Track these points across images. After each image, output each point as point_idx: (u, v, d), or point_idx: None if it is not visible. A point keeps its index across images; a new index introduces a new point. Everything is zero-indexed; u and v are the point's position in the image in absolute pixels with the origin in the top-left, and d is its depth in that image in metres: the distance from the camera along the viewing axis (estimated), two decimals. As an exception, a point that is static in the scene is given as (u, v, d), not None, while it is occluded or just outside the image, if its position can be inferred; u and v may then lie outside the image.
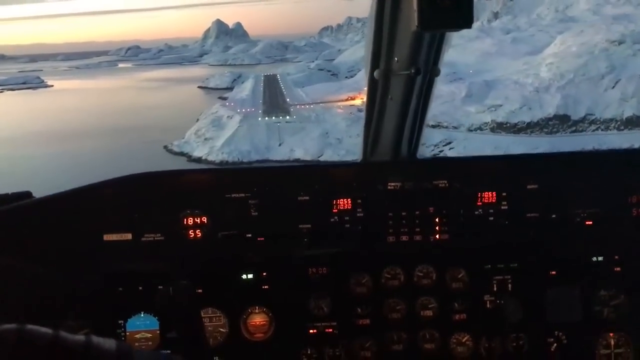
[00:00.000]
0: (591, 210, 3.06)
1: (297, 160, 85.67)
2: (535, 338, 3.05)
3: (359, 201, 3.05)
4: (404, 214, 3.04)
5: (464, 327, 3.06)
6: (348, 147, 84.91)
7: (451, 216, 3.06)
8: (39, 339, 1.05)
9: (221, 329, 3.05)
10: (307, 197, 3.03)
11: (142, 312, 3.02)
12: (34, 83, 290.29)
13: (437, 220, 3.06)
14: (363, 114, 3.25)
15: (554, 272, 3.08)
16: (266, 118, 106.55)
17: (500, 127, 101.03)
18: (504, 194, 3.05)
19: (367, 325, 3.05)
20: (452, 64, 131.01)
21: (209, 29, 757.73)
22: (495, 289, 3.08)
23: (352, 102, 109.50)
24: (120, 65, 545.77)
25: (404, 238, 3.05)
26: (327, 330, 3.05)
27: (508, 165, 3.27)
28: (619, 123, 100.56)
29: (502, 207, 3.05)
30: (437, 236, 3.06)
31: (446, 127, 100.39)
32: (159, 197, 3.04)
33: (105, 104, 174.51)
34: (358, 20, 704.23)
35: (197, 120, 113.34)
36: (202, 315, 3.01)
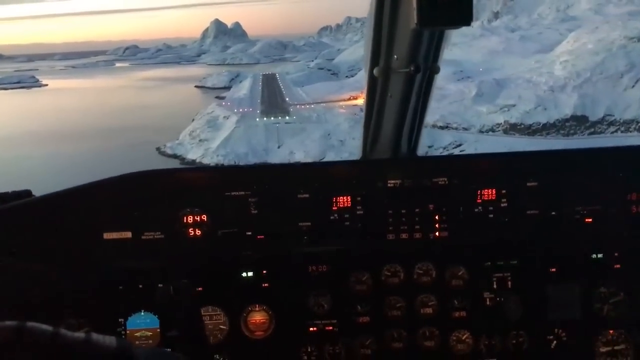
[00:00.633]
0: (591, 208, 3.05)
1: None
2: (535, 335, 3.04)
3: (359, 199, 3.03)
4: (403, 211, 3.03)
5: (464, 325, 3.05)
6: (351, 149, 79.22)
7: (451, 213, 3.05)
8: (39, 336, 1.06)
9: (221, 327, 3.05)
10: (306, 195, 3.02)
11: (143, 311, 3.02)
12: (28, 82, 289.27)
13: (436, 217, 3.05)
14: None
15: (553, 270, 3.06)
16: (264, 119, 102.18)
17: (513, 129, 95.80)
18: (504, 191, 3.04)
19: (367, 322, 3.04)
20: (457, 62, 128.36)
21: (207, 29, 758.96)
22: (495, 286, 3.06)
23: (354, 102, 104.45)
24: (118, 64, 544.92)
25: (404, 236, 3.04)
26: (327, 328, 3.05)
27: (508, 163, 3.27)
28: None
29: (502, 205, 3.04)
30: (437, 234, 3.05)
31: (456, 129, 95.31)
32: (158, 195, 3.03)
33: (99, 104, 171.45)
34: (357, 20, 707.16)
35: (193, 120, 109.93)
36: (202, 314, 3.00)
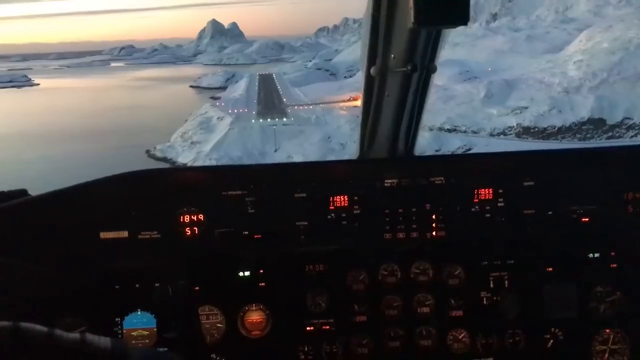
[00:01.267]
0: (587, 207, 3.07)
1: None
2: (531, 334, 3.06)
3: (356, 198, 3.05)
4: (400, 210, 3.05)
5: (461, 324, 3.07)
6: (353, 153, 73.16)
7: (448, 213, 3.07)
8: (34, 337, 1.06)
9: (218, 327, 3.05)
10: (303, 195, 3.03)
11: (139, 310, 3.02)
12: (20, 81, 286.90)
13: (433, 216, 3.06)
14: None
15: (550, 269, 3.08)
16: (260, 120, 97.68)
17: (527, 132, 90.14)
18: (501, 190, 3.06)
19: (364, 322, 3.06)
20: (461, 62, 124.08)
21: (204, 29, 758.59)
22: (491, 285, 3.08)
23: (355, 103, 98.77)
24: (113, 64, 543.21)
25: (401, 235, 3.05)
26: (324, 327, 3.06)
27: (505, 162, 3.29)
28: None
29: (499, 204, 3.06)
30: (434, 233, 3.07)
31: (464, 132, 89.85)
32: (155, 195, 3.04)
33: (89, 103, 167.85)
34: (354, 21, 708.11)
35: (186, 121, 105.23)
36: (199, 313, 3.02)
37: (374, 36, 2.55)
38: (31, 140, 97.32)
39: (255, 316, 3.05)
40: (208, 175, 3.24)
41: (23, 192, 2.99)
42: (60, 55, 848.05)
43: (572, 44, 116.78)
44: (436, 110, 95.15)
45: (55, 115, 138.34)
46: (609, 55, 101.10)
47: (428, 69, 2.57)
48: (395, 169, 3.09)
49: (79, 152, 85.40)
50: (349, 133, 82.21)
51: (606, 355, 3.07)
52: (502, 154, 3.41)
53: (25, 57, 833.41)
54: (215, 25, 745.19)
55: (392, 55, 2.54)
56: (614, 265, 3.09)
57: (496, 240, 3.09)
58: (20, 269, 2.83)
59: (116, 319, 3.01)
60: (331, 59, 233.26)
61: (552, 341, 3.07)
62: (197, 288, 3.01)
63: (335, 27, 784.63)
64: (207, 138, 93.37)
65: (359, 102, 3.17)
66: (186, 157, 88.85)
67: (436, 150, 73.23)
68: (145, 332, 3.01)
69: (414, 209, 3.06)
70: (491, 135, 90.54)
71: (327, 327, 3.05)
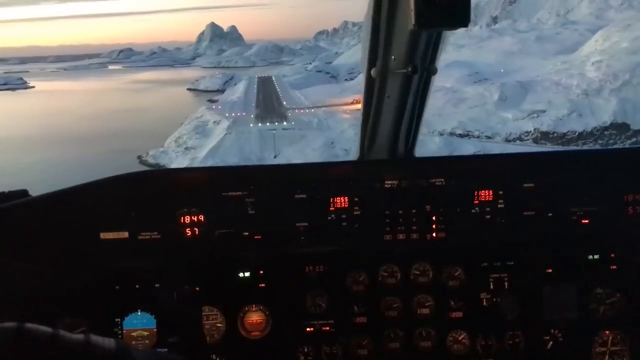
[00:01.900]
0: (587, 209, 3.08)
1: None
2: (531, 336, 3.08)
3: (356, 199, 3.05)
4: (400, 212, 3.06)
5: (461, 325, 3.08)
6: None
7: (448, 214, 3.07)
8: (38, 337, 1.06)
9: (218, 327, 3.06)
10: (304, 196, 3.04)
11: (139, 311, 3.03)
12: (14, 84, 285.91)
13: (433, 218, 3.07)
14: None
15: (550, 270, 3.09)
16: (259, 124, 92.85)
17: (545, 138, 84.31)
18: (501, 192, 3.06)
19: (364, 323, 3.07)
20: (469, 63, 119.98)
21: (203, 32, 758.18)
22: (491, 286, 3.09)
23: (358, 106, 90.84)
24: (110, 67, 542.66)
25: (401, 236, 3.05)
26: (324, 328, 3.07)
27: (504, 164, 3.31)
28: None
29: (499, 206, 3.06)
30: (434, 234, 3.07)
31: (478, 137, 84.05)
32: (155, 196, 3.05)
33: (82, 107, 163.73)
34: (354, 24, 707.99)
35: (182, 124, 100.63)
36: (201, 316, 3.03)
37: (375, 38, 2.56)
38: (14, 143, 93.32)
39: (255, 317, 3.06)
40: (208, 176, 3.23)
41: (23, 193, 2.98)
42: (58, 58, 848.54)
43: (587, 44, 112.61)
44: (447, 114, 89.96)
45: (44, 118, 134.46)
46: (630, 55, 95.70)
47: (428, 70, 2.57)
48: (395, 170, 3.09)
49: (64, 157, 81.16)
50: (353, 138, 75.35)
51: (606, 356, 3.07)
52: (502, 156, 3.48)
53: (23, 60, 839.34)
54: (214, 28, 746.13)
55: (393, 57, 2.55)
56: (614, 267, 3.09)
57: (496, 241, 3.09)
58: (21, 270, 2.82)
59: (116, 320, 3.01)
60: (331, 62, 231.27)
61: (551, 342, 3.07)
62: (197, 289, 3.00)
63: (335, 30, 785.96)
64: (202, 143, 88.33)
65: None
66: (179, 164, 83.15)
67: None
68: (145, 333, 3.01)
69: (414, 210, 3.04)
70: (507, 140, 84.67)
71: (327, 328, 3.06)
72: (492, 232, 3.06)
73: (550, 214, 3.06)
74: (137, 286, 3.01)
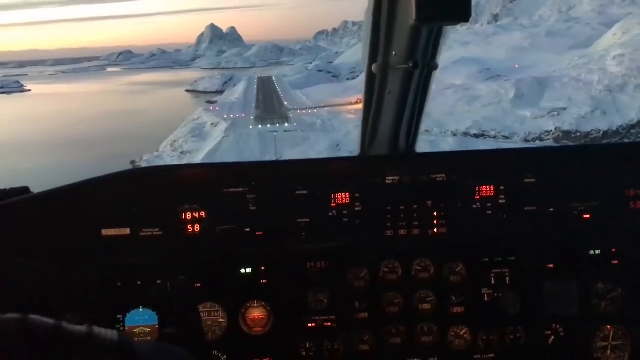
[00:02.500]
0: (589, 204, 3.07)
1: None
2: (532, 331, 3.09)
3: (357, 195, 3.05)
4: (402, 207, 3.05)
5: (462, 320, 3.09)
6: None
7: (449, 210, 3.07)
8: (41, 329, 1.07)
9: (220, 323, 3.07)
10: (305, 192, 3.04)
11: (141, 307, 3.04)
12: (11, 88, 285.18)
13: (435, 214, 3.06)
14: None
15: (551, 266, 3.08)
16: (259, 126, 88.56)
17: (567, 137, 78.43)
18: (502, 187, 3.05)
19: (365, 319, 3.08)
20: (478, 60, 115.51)
21: (202, 34, 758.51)
22: (493, 282, 3.09)
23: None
24: (109, 69, 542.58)
25: (402, 232, 3.05)
26: (325, 324, 3.08)
27: (506, 159, 3.30)
28: None
29: (500, 201, 3.05)
30: (435, 230, 3.07)
31: (494, 137, 78.48)
32: (157, 192, 3.05)
33: (78, 110, 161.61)
34: (354, 24, 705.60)
35: (177, 128, 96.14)
36: (201, 310, 3.03)
37: (376, 33, 2.57)
38: (11, 150, 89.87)
39: (256, 313, 3.07)
40: (209, 172, 3.24)
41: (25, 190, 3.00)
42: (57, 62, 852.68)
43: (604, 38, 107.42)
44: (459, 113, 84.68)
45: (36, 122, 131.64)
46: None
47: (429, 66, 2.59)
48: (396, 166, 3.09)
49: (54, 163, 76.95)
50: (358, 139, 71.00)
51: (607, 351, 3.08)
52: (503, 151, 3.47)
53: (22, 64, 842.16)
54: (213, 30, 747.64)
55: (394, 53, 2.55)
56: (616, 262, 3.08)
57: (497, 237, 3.09)
58: (22, 266, 2.83)
59: (118, 316, 3.01)
60: (332, 62, 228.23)
61: (553, 338, 3.07)
62: (198, 285, 3.01)
63: (335, 30, 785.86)
64: (199, 147, 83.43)
65: (368, 105, 3.03)
66: (175, 169, 77.88)
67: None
68: (147, 329, 3.02)
69: (415, 206, 3.04)
70: (526, 140, 79.03)
71: (329, 323, 3.07)
72: (493, 228, 3.06)
73: (551, 209, 3.05)
74: (138, 283, 2.99)
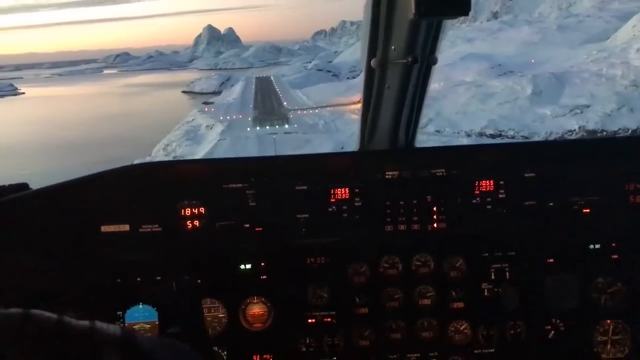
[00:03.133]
0: (589, 198, 3.07)
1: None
2: (533, 325, 3.09)
3: (357, 190, 3.05)
4: (401, 202, 3.05)
5: (462, 315, 3.10)
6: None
7: (449, 205, 3.07)
8: (44, 323, 1.08)
9: (220, 319, 3.09)
10: (304, 187, 3.04)
11: (141, 303, 3.05)
12: (4, 91, 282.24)
13: (434, 209, 3.07)
14: None
15: (551, 260, 3.08)
16: (257, 127, 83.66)
17: (592, 136, 72.01)
18: (502, 182, 3.05)
19: (365, 314, 3.09)
20: (487, 56, 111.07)
21: (200, 35, 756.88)
22: (493, 277, 3.08)
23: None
24: (106, 71, 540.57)
25: (402, 227, 3.05)
26: (325, 319, 3.09)
27: (506, 154, 3.31)
28: None
29: (500, 196, 3.05)
30: (435, 225, 3.07)
31: (512, 137, 72.72)
32: (156, 188, 3.07)
33: (71, 113, 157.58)
34: (352, 23, 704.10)
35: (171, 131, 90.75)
36: (201, 306, 3.02)
37: (374, 28, 2.56)
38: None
39: (256, 309, 3.08)
40: (209, 168, 3.24)
41: (24, 186, 3.00)
42: (54, 64, 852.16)
43: (622, 31, 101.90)
44: (473, 112, 79.09)
45: (26, 126, 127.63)
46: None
47: (429, 60, 2.58)
48: (396, 161, 3.09)
49: (46, 171, 69.43)
50: (358, 135, 65.36)
51: (607, 345, 3.09)
52: (502, 146, 3.48)
53: (18, 67, 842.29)
54: (211, 30, 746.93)
55: (393, 47, 2.55)
56: (615, 257, 3.08)
57: (497, 231, 3.09)
58: (21, 263, 2.84)
59: (118, 313, 3.02)
60: (332, 61, 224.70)
61: (553, 332, 3.08)
62: (198, 281, 3.00)
63: (333, 30, 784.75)
64: (193, 151, 77.82)
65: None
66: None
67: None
68: (147, 326, 3.03)
69: (415, 201, 3.04)
70: (547, 140, 72.92)
71: (329, 319, 3.08)
72: (493, 223, 3.06)
73: (551, 204, 3.05)
74: (138, 279, 3.00)
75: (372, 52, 2.67)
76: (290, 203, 3.02)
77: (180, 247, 3.02)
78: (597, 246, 3.08)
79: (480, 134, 73.46)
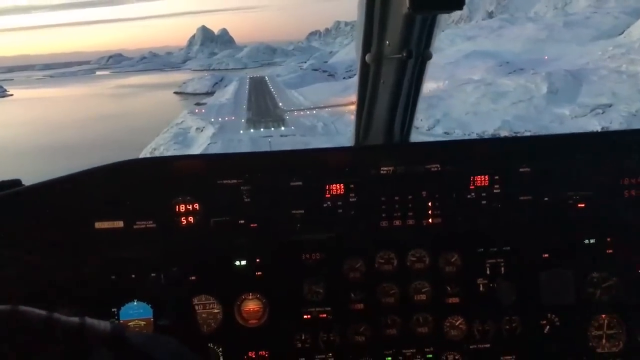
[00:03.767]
0: (584, 193, 3.10)
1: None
2: (528, 320, 3.11)
3: (352, 186, 3.06)
4: (396, 198, 3.07)
5: (458, 311, 3.11)
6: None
7: (444, 200, 3.09)
8: (33, 319, 1.07)
9: (215, 316, 3.09)
10: (299, 183, 3.05)
11: (135, 300, 3.04)
12: None
13: (430, 204, 3.08)
14: None
15: (546, 255, 3.11)
16: (251, 130, 79.22)
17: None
18: (497, 177, 3.07)
19: (361, 310, 3.09)
20: (492, 53, 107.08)
21: (194, 36, 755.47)
22: (488, 272, 3.10)
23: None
24: (98, 72, 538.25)
25: (397, 222, 3.07)
26: (321, 315, 3.09)
27: (501, 148, 3.32)
28: None
29: (495, 191, 3.08)
30: (430, 220, 3.08)
31: (528, 140, 66.22)
32: (150, 184, 3.05)
33: (59, 114, 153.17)
34: (346, 24, 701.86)
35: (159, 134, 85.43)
36: (196, 302, 3.06)
37: (369, 23, 2.57)
38: None
39: (252, 305, 3.07)
40: (203, 163, 3.21)
41: (17, 182, 2.99)
42: (47, 66, 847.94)
43: (636, 26, 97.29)
44: (484, 112, 73.81)
45: (10, 128, 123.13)
46: None
47: (423, 55, 2.58)
48: (391, 156, 3.10)
49: (27, 176, 64.29)
50: (353, 130, 60.06)
51: (602, 340, 3.11)
52: (497, 140, 3.54)
53: (10, 69, 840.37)
54: (205, 31, 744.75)
55: (387, 42, 2.56)
56: (610, 251, 3.11)
57: (492, 226, 3.11)
58: (14, 260, 2.83)
59: (112, 310, 3.02)
60: (327, 61, 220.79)
61: (548, 327, 3.10)
62: (193, 277, 3.02)
63: (327, 30, 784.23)
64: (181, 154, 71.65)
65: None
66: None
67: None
68: (142, 323, 3.03)
69: (410, 197, 3.05)
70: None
71: (324, 315, 3.07)
72: (488, 218, 3.08)
73: (546, 199, 3.07)
74: (132, 276, 2.99)
75: (366, 47, 2.67)
76: (285, 199, 3.00)
77: (175, 243, 3.00)
78: (592, 241, 3.09)
79: (494, 137, 67.99)
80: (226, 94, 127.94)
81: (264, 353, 3.07)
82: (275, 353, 3.09)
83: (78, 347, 1.09)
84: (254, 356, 3.08)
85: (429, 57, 2.58)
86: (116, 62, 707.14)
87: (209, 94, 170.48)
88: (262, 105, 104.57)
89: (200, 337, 2.93)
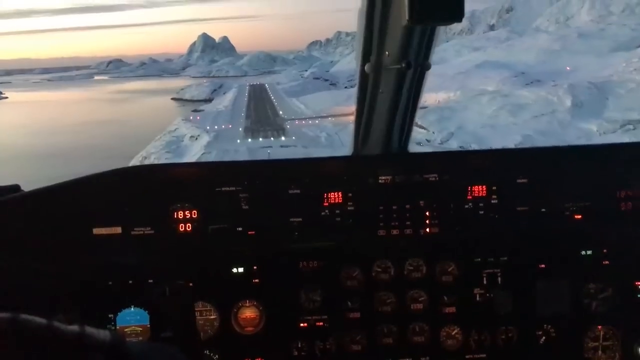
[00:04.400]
0: (580, 204, 3.12)
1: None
2: (524, 331, 3.12)
3: (350, 195, 3.08)
4: (394, 207, 3.09)
5: (454, 320, 3.12)
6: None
7: (441, 210, 3.11)
8: (32, 328, 1.06)
9: (212, 323, 3.08)
10: (298, 191, 3.06)
11: (132, 307, 3.04)
12: None
13: (427, 213, 3.10)
14: None
15: (543, 266, 3.12)
16: (249, 139, 74.38)
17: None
18: (494, 187, 3.09)
19: (357, 318, 3.10)
20: (507, 64, 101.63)
21: (194, 43, 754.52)
22: (485, 282, 3.11)
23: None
24: (97, 77, 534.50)
25: (395, 232, 3.09)
26: (317, 323, 3.10)
27: (498, 159, 3.35)
28: None
29: (492, 201, 3.10)
30: (428, 230, 3.10)
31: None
32: (148, 191, 3.07)
33: (52, 118, 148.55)
34: (347, 34, 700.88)
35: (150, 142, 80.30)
36: (194, 311, 3.07)
37: (368, 33, 2.57)
38: None
39: (249, 312, 3.08)
40: (202, 171, 3.26)
41: (15, 188, 2.99)
42: (45, 70, 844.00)
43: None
44: (503, 126, 68.45)
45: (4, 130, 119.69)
46: None
47: (422, 66, 2.60)
48: (389, 166, 3.12)
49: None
50: (351, 139, 54.37)
51: (598, 351, 3.12)
52: (495, 151, 3.51)
53: (9, 72, 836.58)
54: (206, 39, 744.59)
55: (387, 52, 2.57)
56: (607, 263, 3.12)
57: (489, 237, 3.12)
58: (12, 265, 2.83)
59: (109, 316, 3.01)
60: (328, 70, 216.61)
61: (544, 337, 3.10)
62: (190, 284, 3.03)
63: (328, 40, 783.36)
64: (173, 166, 65.92)
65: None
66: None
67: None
68: (139, 329, 3.02)
69: (407, 206, 3.07)
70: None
71: (321, 323, 3.08)
72: (485, 228, 3.09)
73: (543, 210, 3.09)
74: (130, 282, 2.99)
75: (366, 57, 2.68)
76: (283, 207, 3.01)
77: (173, 250, 3.00)
78: (589, 252, 3.09)
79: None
80: (224, 101, 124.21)
81: None
82: None
83: (78, 356, 1.09)
84: None
85: (428, 67, 2.60)
86: (115, 67, 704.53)
87: (207, 100, 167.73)
88: (261, 114, 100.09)
89: (197, 345, 2.95)
